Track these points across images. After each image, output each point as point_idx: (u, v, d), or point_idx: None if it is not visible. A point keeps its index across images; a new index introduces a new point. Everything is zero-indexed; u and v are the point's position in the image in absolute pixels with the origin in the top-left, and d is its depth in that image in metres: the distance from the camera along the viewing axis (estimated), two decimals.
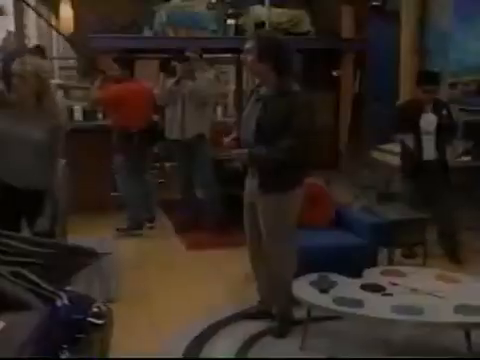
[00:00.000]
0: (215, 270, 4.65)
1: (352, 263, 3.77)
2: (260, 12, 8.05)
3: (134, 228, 5.70)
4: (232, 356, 3.28)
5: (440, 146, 4.76)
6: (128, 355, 2.96)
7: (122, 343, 2.67)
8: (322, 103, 8.89)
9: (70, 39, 8.12)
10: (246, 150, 3.35)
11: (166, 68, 5.87)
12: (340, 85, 8.82)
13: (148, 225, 5.89)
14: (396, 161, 6.08)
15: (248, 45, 3.39)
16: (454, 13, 6.17)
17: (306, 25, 8.49)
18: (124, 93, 5.53)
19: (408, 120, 4.79)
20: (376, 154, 6.42)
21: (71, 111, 6.41)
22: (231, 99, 10.94)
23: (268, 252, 3.54)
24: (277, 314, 3.61)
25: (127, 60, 6.04)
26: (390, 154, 6.19)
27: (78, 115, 6.39)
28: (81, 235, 5.25)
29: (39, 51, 6.07)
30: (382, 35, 7.74)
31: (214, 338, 3.49)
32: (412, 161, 4.85)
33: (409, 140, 4.82)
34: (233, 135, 3.64)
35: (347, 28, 8.53)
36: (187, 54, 5.60)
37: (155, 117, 6.19)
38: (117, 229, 5.69)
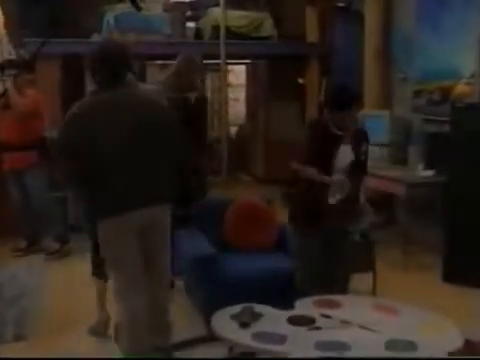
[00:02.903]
0: None
1: (288, 291, 3.66)
2: (218, 15, 7.99)
3: (63, 246, 5.75)
4: None
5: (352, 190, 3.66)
6: None
7: None
8: (288, 113, 8.84)
9: None
10: None
11: None
12: (306, 93, 8.76)
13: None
14: None
15: None
16: (418, 15, 6.13)
17: (268, 29, 8.46)
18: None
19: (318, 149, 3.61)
20: None
21: None
22: None
23: None
24: None
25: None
26: None
27: None
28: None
29: None
30: (348, 39, 7.71)
31: None
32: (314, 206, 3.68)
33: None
34: None
35: (312, 32, 8.49)
36: None
37: None
38: (48, 254, 5.70)
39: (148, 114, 3.19)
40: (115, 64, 3.15)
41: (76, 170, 3.05)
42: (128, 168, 3.05)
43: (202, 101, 4.86)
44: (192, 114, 4.51)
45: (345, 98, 3.61)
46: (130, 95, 3.23)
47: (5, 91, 5.48)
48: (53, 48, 7.35)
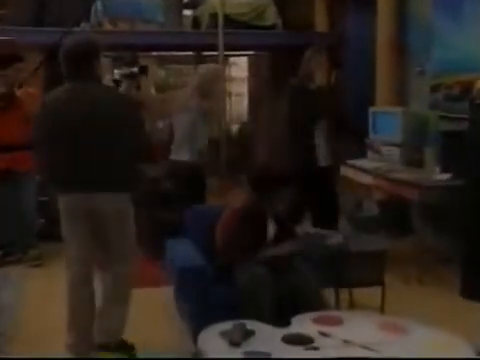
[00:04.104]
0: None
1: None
2: (217, 1, 7.94)
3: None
4: None
5: None
6: None
7: None
8: None
9: None
10: None
11: None
12: None
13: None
14: (368, 179, 5.97)
15: None
16: (436, 1, 6.07)
17: (272, 17, 8.37)
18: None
19: None
20: (345, 171, 6.28)
21: None
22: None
23: None
24: None
25: None
26: (361, 171, 6.07)
27: None
28: None
29: None
30: (361, 28, 7.63)
31: None
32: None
33: None
34: None
35: (321, 20, 8.41)
36: None
37: None
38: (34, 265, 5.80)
39: (104, 106, 3.60)
40: (75, 58, 3.58)
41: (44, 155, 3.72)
42: (78, 154, 3.54)
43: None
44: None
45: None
46: (89, 87, 3.62)
47: (12, 90, 5.57)
48: (37, 38, 7.36)
